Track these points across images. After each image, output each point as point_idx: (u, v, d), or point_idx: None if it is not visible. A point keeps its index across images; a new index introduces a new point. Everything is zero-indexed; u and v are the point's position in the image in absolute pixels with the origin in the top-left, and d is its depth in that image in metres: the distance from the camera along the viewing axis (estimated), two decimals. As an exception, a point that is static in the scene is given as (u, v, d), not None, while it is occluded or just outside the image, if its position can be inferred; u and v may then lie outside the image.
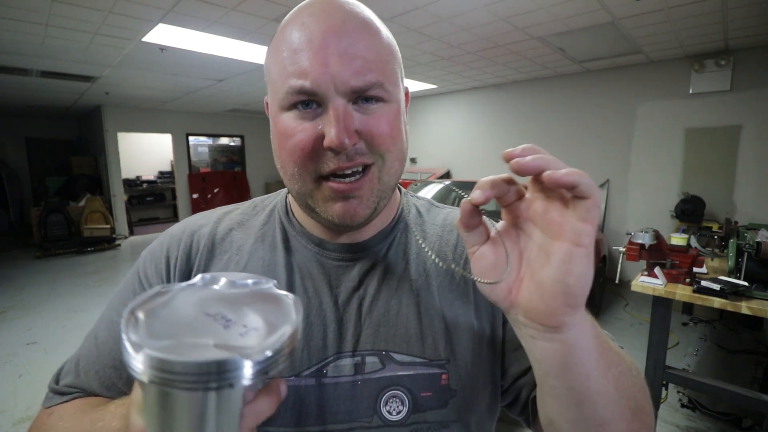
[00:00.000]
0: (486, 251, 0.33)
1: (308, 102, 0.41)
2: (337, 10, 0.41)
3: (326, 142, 0.39)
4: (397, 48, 0.47)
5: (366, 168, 0.43)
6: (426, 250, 0.40)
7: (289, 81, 0.40)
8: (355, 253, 0.51)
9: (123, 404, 0.38)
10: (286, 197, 0.56)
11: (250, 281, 0.31)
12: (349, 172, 0.42)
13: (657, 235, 1.94)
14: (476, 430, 0.49)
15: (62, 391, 0.49)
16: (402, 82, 0.48)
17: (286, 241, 0.52)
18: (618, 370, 0.35)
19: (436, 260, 0.39)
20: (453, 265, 0.38)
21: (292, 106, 0.41)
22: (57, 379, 0.50)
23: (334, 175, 0.42)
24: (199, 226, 0.53)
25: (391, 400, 0.46)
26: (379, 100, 0.42)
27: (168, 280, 0.48)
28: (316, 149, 0.41)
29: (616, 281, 2.52)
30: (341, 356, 0.47)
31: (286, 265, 0.49)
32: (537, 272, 0.30)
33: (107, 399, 0.47)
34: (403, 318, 0.48)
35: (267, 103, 0.49)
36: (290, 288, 0.49)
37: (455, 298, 0.50)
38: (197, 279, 0.31)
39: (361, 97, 0.41)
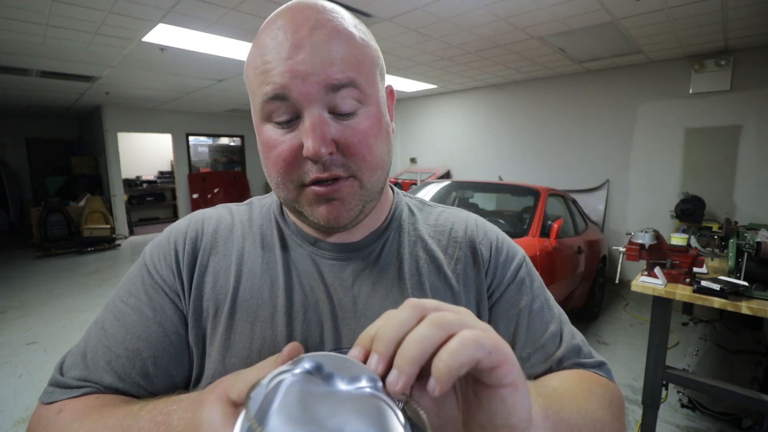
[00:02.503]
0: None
1: (289, 120, 0.42)
2: (307, 19, 0.41)
3: (304, 152, 0.41)
4: (374, 50, 0.47)
5: (342, 177, 0.44)
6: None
7: (263, 89, 0.42)
8: (349, 252, 0.51)
9: (163, 411, 0.36)
10: None
11: (362, 384, 0.28)
12: (327, 179, 0.43)
13: (657, 235, 1.94)
14: None
15: (69, 384, 0.45)
16: (382, 83, 0.48)
17: (282, 239, 0.52)
18: None
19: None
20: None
21: (271, 119, 0.43)
22: (60, 372, 0.46)
23: (316, 181, 0.43)
24: (202, 221, 0.53)
25: None
26: (354, 107, 0.42)
27: (177, 271, 0.49)
28: (297, 159, 0.42)
29: (616, 281, 2.52)
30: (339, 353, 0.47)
31: (284, 264, 0.50)
32: (474, 415, 0.29)
33: (123, 397, 0.44)
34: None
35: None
36: (288, 285, 0.49)
37: (445, 299, 0.51)
38: (300, 368, 0.29)
39: (337, 105, 0.42)
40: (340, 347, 0.47)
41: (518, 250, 0.58)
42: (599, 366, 0.52)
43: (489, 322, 0.52)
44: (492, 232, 0.58)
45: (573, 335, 0.53)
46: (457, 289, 0.52)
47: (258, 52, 0.43)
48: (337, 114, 0.42)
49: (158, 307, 0.47)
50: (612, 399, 0.46)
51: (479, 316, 0.52)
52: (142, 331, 0.46)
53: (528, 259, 0.58)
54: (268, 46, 0.42)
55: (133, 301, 0.48)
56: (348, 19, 0.44)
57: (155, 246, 0.52)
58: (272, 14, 0.44)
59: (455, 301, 0.52)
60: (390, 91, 0.51)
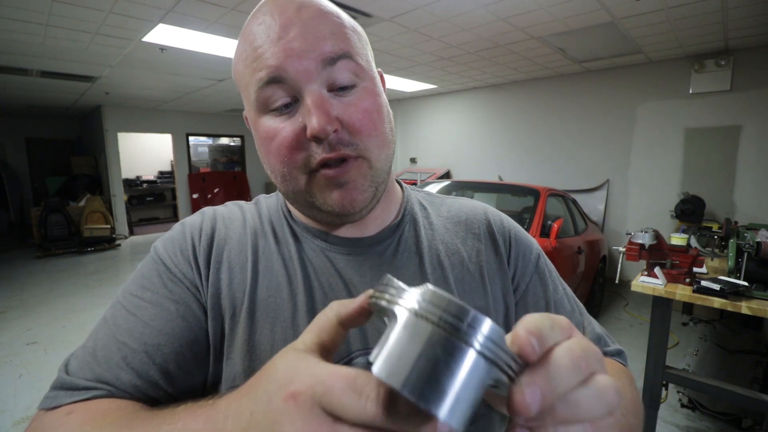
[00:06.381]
0: None
1: (287, 104, 0.41)
2: (291, 3, 0.41)
3: (309, 132, 0.39)
4: (361, 29, 0.47)
5: (350, 158, 0.42)
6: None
7: (256, 77, 0.40)
8: (363, 247, 0.49)
9: (209, 414, 0.28)
10: None
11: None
12: (335, 159, 0.41)
13: (657, 235, 1.94)
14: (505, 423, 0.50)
15: (77, 384, 0.39)
16: (373, 62, 0.47)
17: (294, 235, 0.50)
18: None
19: None
20: None
21: (269, 109, 0.41)
22: (66, 374, 0.42)
23: (324, 164, 0.41)
24: (215, 217, 0.52)
25: None
26: (352, 80, 0.42)
27: (195, 265, 0.46)
28: (301, 143, 0.41)
29: (616, 281, 2.51)
30: (367, 352, 0.45)
31: (299, 261, 0.48)
32: None
33: (141, 405, 0.39)
34: None
35: (246, 117, 0.48)
36: (307, 283, 0.47)
37: (472, 291, 0.50)
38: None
39: (335, 80, 0.41)
40: (367, 347, 0.45)
41: (532, 239, 0.58)
42: (618, 354, 0.53)
43: (516, 315, 0.52)
44: (507, 222, 0.57)
45: (591, 323, 0.54)
46: (485, 280, 0.51)
47: (246, 42, 0.42)
48: (336, 90, 0.41)
49: (181, 301, 0.44)
50: (633, 382, 0.47)
51: (506, 308, 0.52)
52: (163, 324, 0.42)
53: (540, 248, 0.58)
54: (256, 32, 0.41)
55: (149, 295, 0.44)
56: (331, 4, 0.44)
57: (168, 241, 0.49)
58: (252, 11, 0.44)
59: (482, 292, 0.50)
60: (381, 74, 0.50)
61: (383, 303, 0.23)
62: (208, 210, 0.53)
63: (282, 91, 0.40)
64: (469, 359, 0.19)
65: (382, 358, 0.20)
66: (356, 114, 0.41)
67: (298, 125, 0.40)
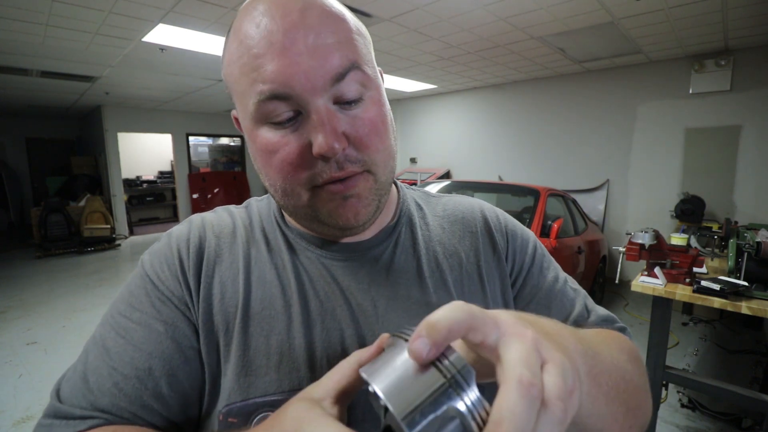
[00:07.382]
0: None
1: (290, 118, 0.38)
2: (293, 2, 0.37)
3: (315, 150, 0.37)
4: (364, 29, 0.44)
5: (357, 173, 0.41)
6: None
7: (257, 87, 0.37)
8: (360, 252, 0.48)
9: None
10: None
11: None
12: (343, 178, 0.40)
13: (657, 235, 1.94)
14: None
15: (73, 414, 0.39)
16: (375, 63, 0.45)
17: (287, 243, 0.48)
18: (616, 393, 0.34)
19: None
20: None
21: (269, 121, 0.39)
22: (59, 400, 0.40)
23: (331, 181, 0.40)
24: (203, 226, 0.49)
25: None
26: (359, 92, 0.40)
27: (183, 280, 0.44)
28: (306, 160, 0.39)
29: (616, 281, 2.51)
30: None
31: (293, 269, 0.46)
32: None
33: (144, 429, 0.39)
34: (423, 317, 0.46)
35: (236, 119, 0.45)
36: (302, 292, 0.45)
37: (471, 293, 0.50)
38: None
39: (343, 94, 0.38)
40: None
41: (528, 230, 0.58)
42: (623, 330, 0.53)
43: (516, 309, 0.52)
44: (502, 216, 0.57)
45: (595, 307, 0.55)
46: (484, 281, 0.50)
47: (241, 45, 0.38)
48: (342, 103, 0.39)
49: (169, 321, 0.42)
50: (632, 351, 0.45)
51: (505, 306, 0.51)
52: (153, 347, 0.41)
53: (537, 238, 0.58)
54: (253, 35, 0.37)
55: (138, 316, 0.43)
56: (336, 3, 0.41)
57: (155, 255, 0.46)
58: (245, 5, 0.40)
59: (481, 294, 0.50)
60: (381, 73, 0.47)
61: (403, 342, 0.26)
62: (195, 218, 0.50)
63: (285, 106, 0.37)
64: (459, 407, 0.23)
65: (391, 387, 0.23)
66: (363, 128, 0.40)
67: (303, 141, 0.38)
